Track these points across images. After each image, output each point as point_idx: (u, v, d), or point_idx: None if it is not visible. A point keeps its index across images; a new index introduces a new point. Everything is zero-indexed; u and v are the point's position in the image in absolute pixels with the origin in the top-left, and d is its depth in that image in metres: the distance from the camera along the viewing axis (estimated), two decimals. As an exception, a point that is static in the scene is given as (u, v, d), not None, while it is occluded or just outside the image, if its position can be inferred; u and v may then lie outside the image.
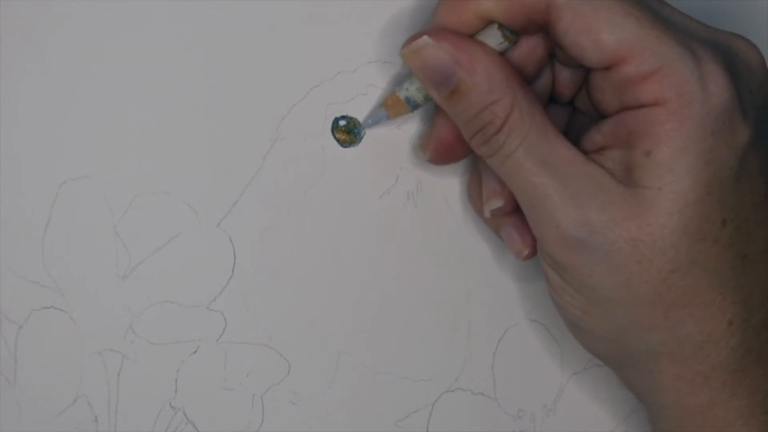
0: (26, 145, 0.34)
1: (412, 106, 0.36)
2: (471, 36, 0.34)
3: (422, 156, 0.37)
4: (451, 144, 0.36)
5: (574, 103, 0.37)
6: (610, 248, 0.32)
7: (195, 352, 0.36)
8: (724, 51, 0.33)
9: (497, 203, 0.36)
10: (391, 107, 0.36)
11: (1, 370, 0.34)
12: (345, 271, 0.38)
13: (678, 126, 0.31)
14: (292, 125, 0.37)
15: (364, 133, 0.37)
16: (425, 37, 0.33)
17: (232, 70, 0.36)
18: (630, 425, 0.43)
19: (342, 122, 0.37)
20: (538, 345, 0.41)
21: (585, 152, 0.33)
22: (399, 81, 0.37)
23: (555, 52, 0.35)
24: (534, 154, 0.33)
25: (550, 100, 0.37)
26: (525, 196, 0.33)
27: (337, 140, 0.37)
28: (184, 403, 0.36)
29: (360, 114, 0.37)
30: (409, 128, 0.38)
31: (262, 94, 0.36)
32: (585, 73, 0.35)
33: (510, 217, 0.37)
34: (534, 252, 0.36)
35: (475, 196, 0.38)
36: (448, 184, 0.39)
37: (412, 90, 0.35)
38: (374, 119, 0.37)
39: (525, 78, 0.34)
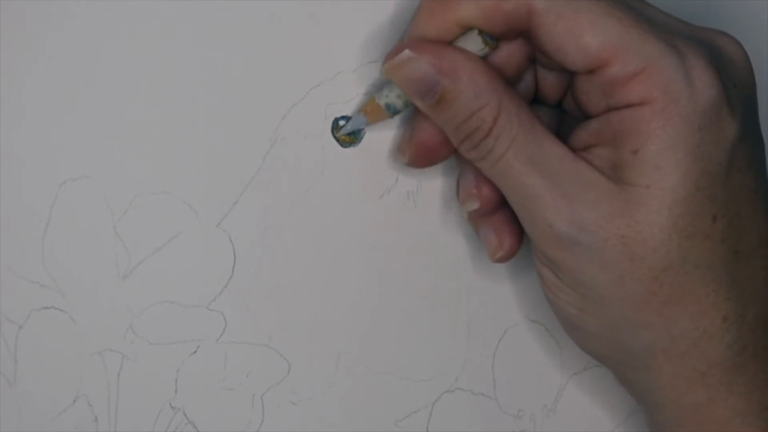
0: (26, 145, 0.34)
1: (392, 112, 0.36)
2: (450, 43, 0.34)
3: (400, 159, 0.37)
4: (431, 147, 0.36)
5: (562, 106, 0.37)
6: (602, 246, 0.32)
7: (195, 352, 0.36)
8: (708, 47, 0.33)
9: (473, 205, 0.36)
10: (370, 113, 0.36)
11: (1, 370, 0.34)
12: (345, 271, 0.38)
13: (664, 124, 0.31)
14: (292, 125, 0.37)
15: (364, 134, 0.37)
16: (407, 51, 0.33)
17: (231, 70, 0.36)
18: (630, 425, 0.43)
19: (342, 122, 0.37)
20: (537, 345, 0.41)
21: (573, 150, 0.33)
22: (378, 87, 0.36)
23: (537, 57, 0.35)
24: (523, 155, 0.33)
25: (538, 103, 0.37)
26: (517, 197, 0.34)
27: (337, 140, 0.37)
28: (184, 403, 0.36)
29: (360, 114, 0.37)
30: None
31: (262, 94, 0.36)
32: (570, 75, 0.35)
33: (488, 219, 0.37)
34: (508, 255, 0.37)
35: (458, 195, 0.38)
36: (449, 184, 0.39)
37: (391, 96, 0.35)
38: (353, 125, 0.37)
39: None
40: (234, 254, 0.36)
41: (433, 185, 0.39)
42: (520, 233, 0.36)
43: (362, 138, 0.37)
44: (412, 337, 0.39)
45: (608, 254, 0.32)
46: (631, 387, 0.37)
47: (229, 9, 0.35)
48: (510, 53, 0.34)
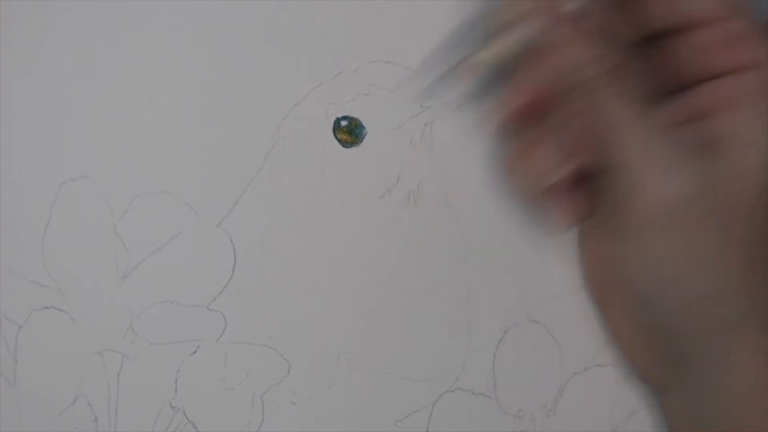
0: (26, 145, 0.34)
1: (491, 67, 0.34)
2: None
3: (494, 118, 0.35)
4: (532, 105, 0.35)
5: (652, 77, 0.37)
6: (692, 219, 0.32)
7: (195, 352, 0.36)
8: None
9: (559, 173, 0.35)
10: (463, 73, 0.34)
11: (1, 370, 0.34)
12: (345, 271, 0.38)
13: (756, 92, 0.32)
14: (293, 125, 0.37)
15: (365, 133, 0.37)
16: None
17: (232, 71, 0.36)
18: (630, 426, 0.43)
19: (343, 122, 0.37)
20: (538, 345, 0.41)
21: (666, 123, 0.33)
22: (469, 48, 0.34)
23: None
24: (624, 117, 0.33)
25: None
26: (613, 157, 0.33)
27: (338, 140, 0.37)
28: (184, 403, 0.36)
29: (361, 114, 0.37)
30: (410, 128, 0.38)
31: (263, 94, 0.36)
32: (661, 46, 0.35)
33: (559, 188, 0.36)
34: (573, 224, 0.36)
35: (520, 168, 0.36)
36: (449, 185, 0.39)
37: (487, 54, 0.34)
38: (436, 88, 0.35)
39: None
40: (234, 254, 0.36)
41: (433, 186, 0.39)
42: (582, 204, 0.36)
43: (363, 138, 0.37)
44: (412, 337, 0.39)
45: (698, 227, 0.32)
46: (684, 368, 0.35)
47: (229, 9, 0.35)
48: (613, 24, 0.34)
